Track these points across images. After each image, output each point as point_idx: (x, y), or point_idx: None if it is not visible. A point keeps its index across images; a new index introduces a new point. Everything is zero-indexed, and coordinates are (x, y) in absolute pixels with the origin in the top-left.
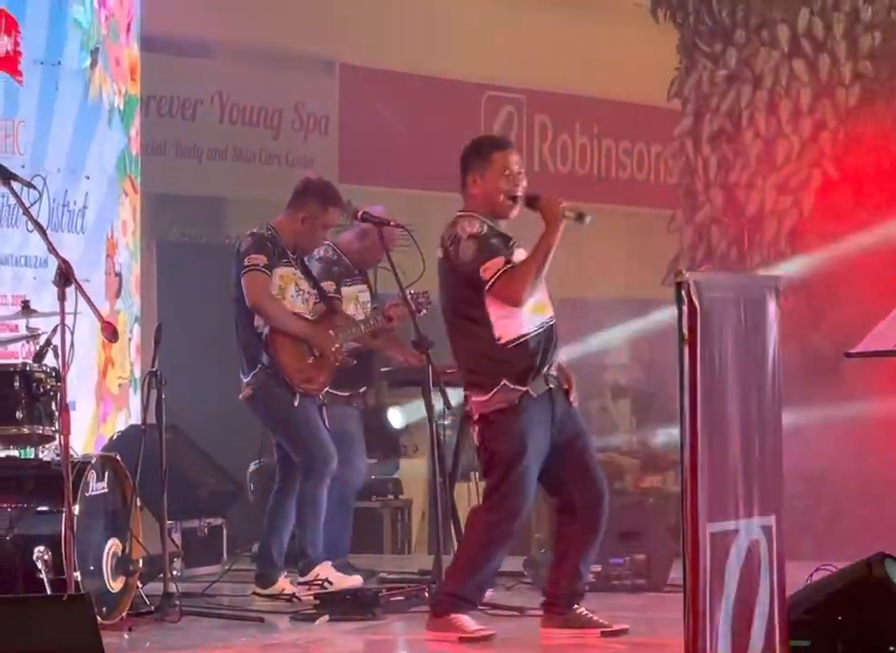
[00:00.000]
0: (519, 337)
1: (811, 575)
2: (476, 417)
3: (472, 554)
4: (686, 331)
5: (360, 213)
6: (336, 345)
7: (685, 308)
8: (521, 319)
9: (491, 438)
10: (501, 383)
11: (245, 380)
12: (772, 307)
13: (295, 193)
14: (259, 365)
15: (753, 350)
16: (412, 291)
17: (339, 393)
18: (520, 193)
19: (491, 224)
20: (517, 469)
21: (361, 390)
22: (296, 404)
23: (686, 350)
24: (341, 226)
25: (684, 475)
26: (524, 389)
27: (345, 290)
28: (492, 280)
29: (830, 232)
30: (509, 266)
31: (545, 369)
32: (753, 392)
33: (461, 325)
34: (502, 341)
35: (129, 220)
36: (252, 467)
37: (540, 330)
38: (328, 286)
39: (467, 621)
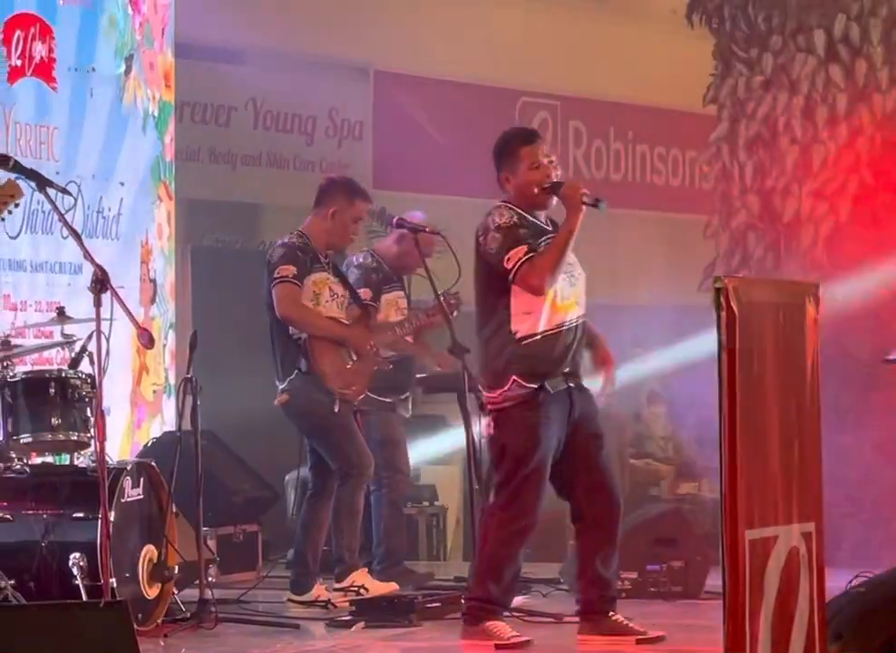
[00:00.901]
0: (534, 334)
1: (849, 582)
2: (489, 409)
3: (490, 556)
4: (724, 337)
5: (396, 219)
6: (374, 346)
7: (723, 314)
8: (540, 316)
9: (505, 431)
10: (512, 380)
11: (280, 386)
12: (811, 313)
13: (320, 192)
14: (296, 371)
15: (792, 356)
16: (442, 294)
17: (383, 399)
18: (553, 183)
19: (525, 215)
20: (529, 464)
21: (403, 397)
22: (336, 410)
23: (725, 356)
24: (375, 231)
25: (723, 481)
26: (536, 386)
27: (385, 297)
28: (515, 269)
29: (866, 238)
30: (531, 255)
31: (565, 367)
32: (792, 398)
33: (483, 316)
34: (518, 335)
35: (163, 226)
36: (290, 476)
37: (561, 329)
38: (364, 293)
39: (503, 628)
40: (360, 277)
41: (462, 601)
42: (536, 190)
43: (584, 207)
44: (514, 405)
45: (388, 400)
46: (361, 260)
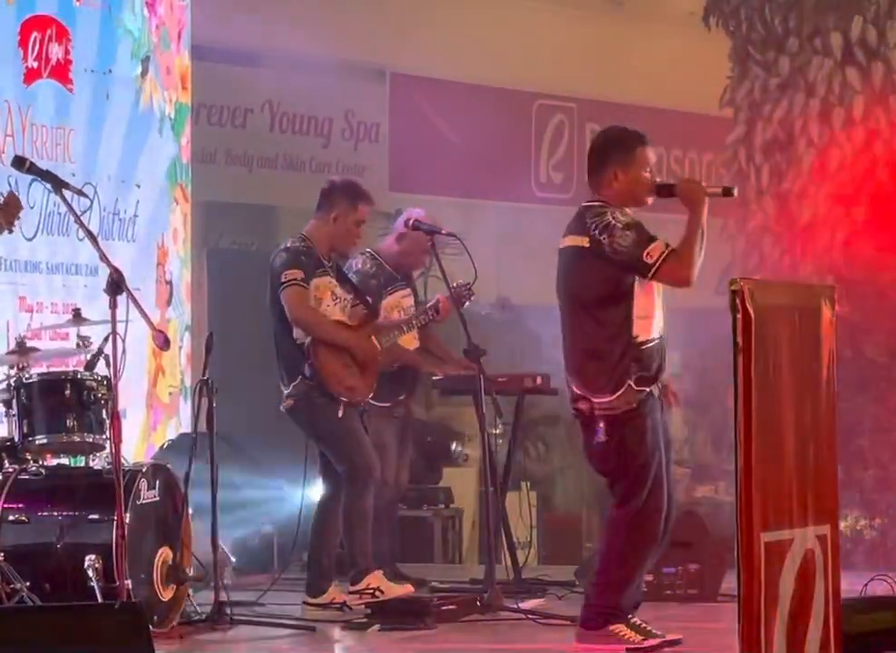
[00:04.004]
0: (650, 340)
1: (865, 585)
2: (602, 417)
3: (620, 564)
4: (740, 339)
5: (412, 221)
6: (379, 351)
7: (739, 316)
8: (653, 322)
9: (626, 437)
10: (626, 384)
11: (286, 391)
12: (826, 316)
13: (322, 196)
14: (300, 376)
15: (807, 358)
16: (454, 283)
17: (379, 404)
18: (663, 184)
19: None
20: (654, 467)
21: (401, 397)
22: (340, 415)
23: (741, 358)
24: (389, 234)
25: (738, 484)
26: (648, 390)
27: (386, 301)
28: (659, 263)
29: (883, 240)
30: (672, 249)
31: (664, 373)
32: (807, 400)
33: (588, 319)
34: (639, 339)
35: (179, 229)
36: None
37: (662, 336)
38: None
39: (631, 632)
40: (358, 284)
41: (478, 603)
42: (644, 191)
43: (707, 199)
44: (631, 411)
45: (386, 405)
46: (360, 266)
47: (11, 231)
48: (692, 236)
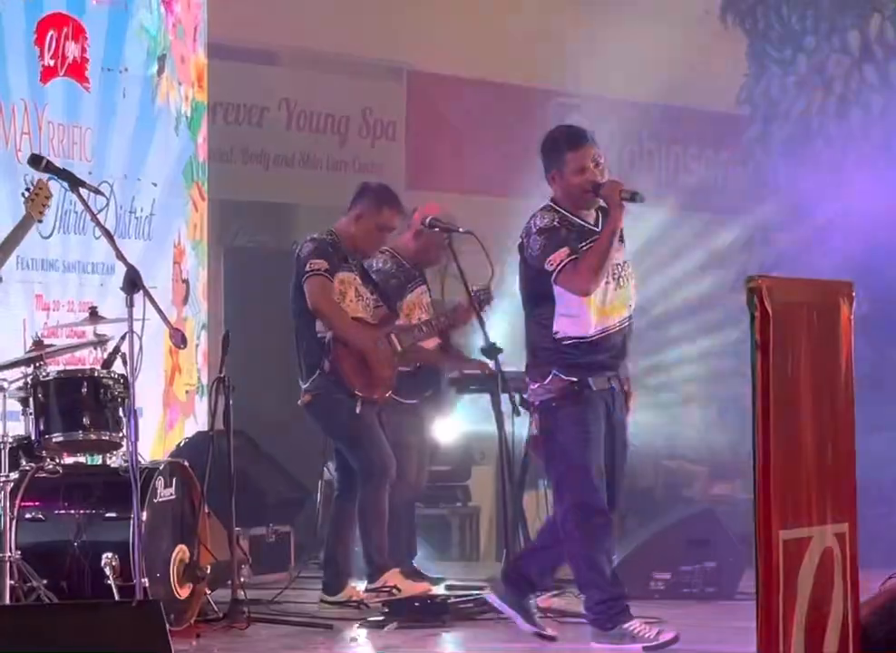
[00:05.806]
0: (577, 338)
1: (883, 583)
2: (537, 404)
3: (582, 557)
4: (758, 337)
5: (429, 220)
6: (394, 351)
7: (757, 314)
8: (585, 321)
9: (554, 425)
10: (552, 372)
11: (304, 386)
12: (845, 313)
13: (354, 195)
14: (319, 371)
15: (825, 356)
16: (474, 288)
17: (406, 401)
18: (594, 185)
19: (569, 216)
20: (581, 460)
21: (427, 393)
22: (357, 411)
23: (759, 356)
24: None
25: (756, 482)
26: (576, 379)
27: (407, 300)
28: (557, 271)
29: None
30: (573, 257)
31: (608, 371)
32: (826, 398)
33: (528, 317)
34: (558, 336)
35: (196, 227)
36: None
37: (607, 333)
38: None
39: (644, 628)
40: (379, 283)
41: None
42: (580, 193)
43: (624, 204)
44: (559, 400)
45: (412, 401)
46: (381, 265)
47: (41, 221)
48: (599, 244)
